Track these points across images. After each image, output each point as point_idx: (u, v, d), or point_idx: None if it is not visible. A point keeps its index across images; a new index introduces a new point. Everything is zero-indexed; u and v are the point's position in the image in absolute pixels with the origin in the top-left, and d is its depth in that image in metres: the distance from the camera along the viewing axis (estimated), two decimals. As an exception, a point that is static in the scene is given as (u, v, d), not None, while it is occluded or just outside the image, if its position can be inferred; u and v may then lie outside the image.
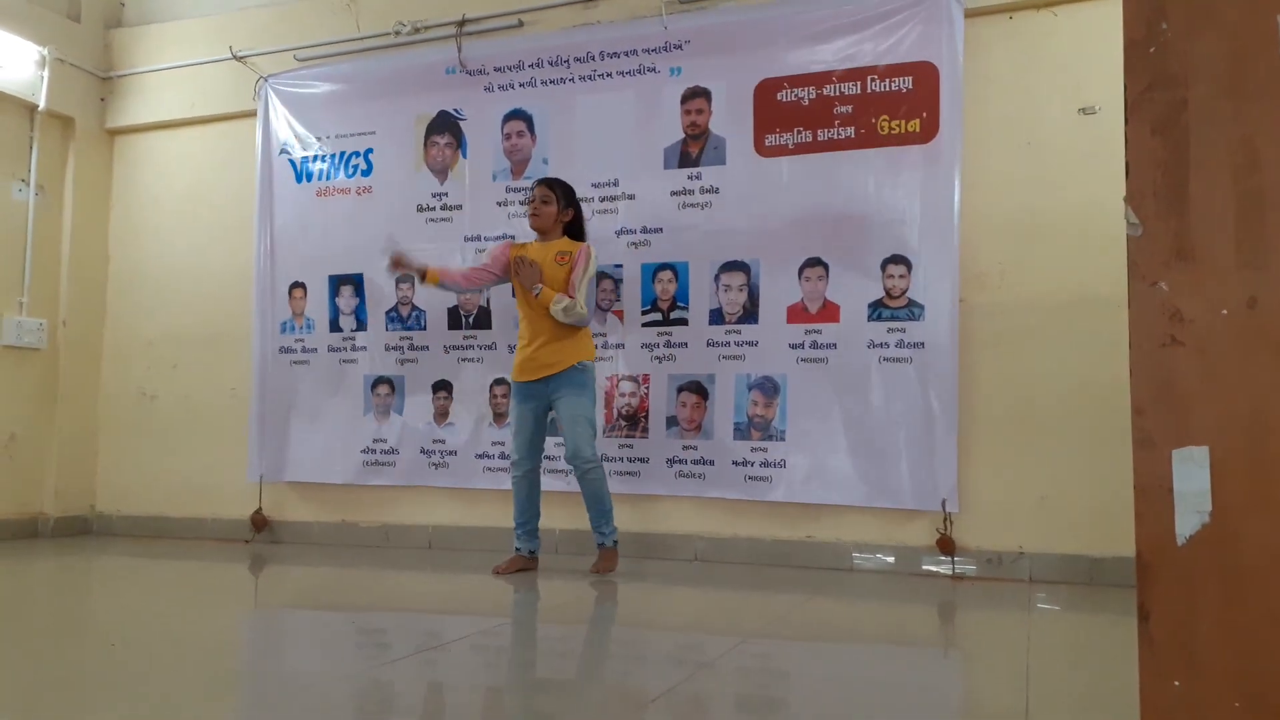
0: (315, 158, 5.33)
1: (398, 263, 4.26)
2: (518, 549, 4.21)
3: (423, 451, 5.03)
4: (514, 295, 4.31)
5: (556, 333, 4.08)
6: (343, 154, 5.28)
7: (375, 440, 5.12)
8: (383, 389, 5.15)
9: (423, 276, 4.26)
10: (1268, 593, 1.00)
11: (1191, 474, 1.03)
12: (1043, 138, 4.18)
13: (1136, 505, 1.07)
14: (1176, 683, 1.02)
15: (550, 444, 4.42)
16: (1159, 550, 1.05)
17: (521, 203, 4.90)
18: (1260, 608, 1.00)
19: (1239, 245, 1.03)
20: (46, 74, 5.52)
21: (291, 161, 5.39)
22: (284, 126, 5.42)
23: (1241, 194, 1.04)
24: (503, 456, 4.88)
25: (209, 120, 5.71)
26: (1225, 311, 1.03)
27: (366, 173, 5.23)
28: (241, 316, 5.46)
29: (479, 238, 4.98)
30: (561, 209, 4.20)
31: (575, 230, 4.26)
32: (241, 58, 5.47)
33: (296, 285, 5.34)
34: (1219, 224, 1.04)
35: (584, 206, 4.76)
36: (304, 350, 5.32)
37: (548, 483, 4.42)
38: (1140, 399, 1.07)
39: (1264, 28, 1.04)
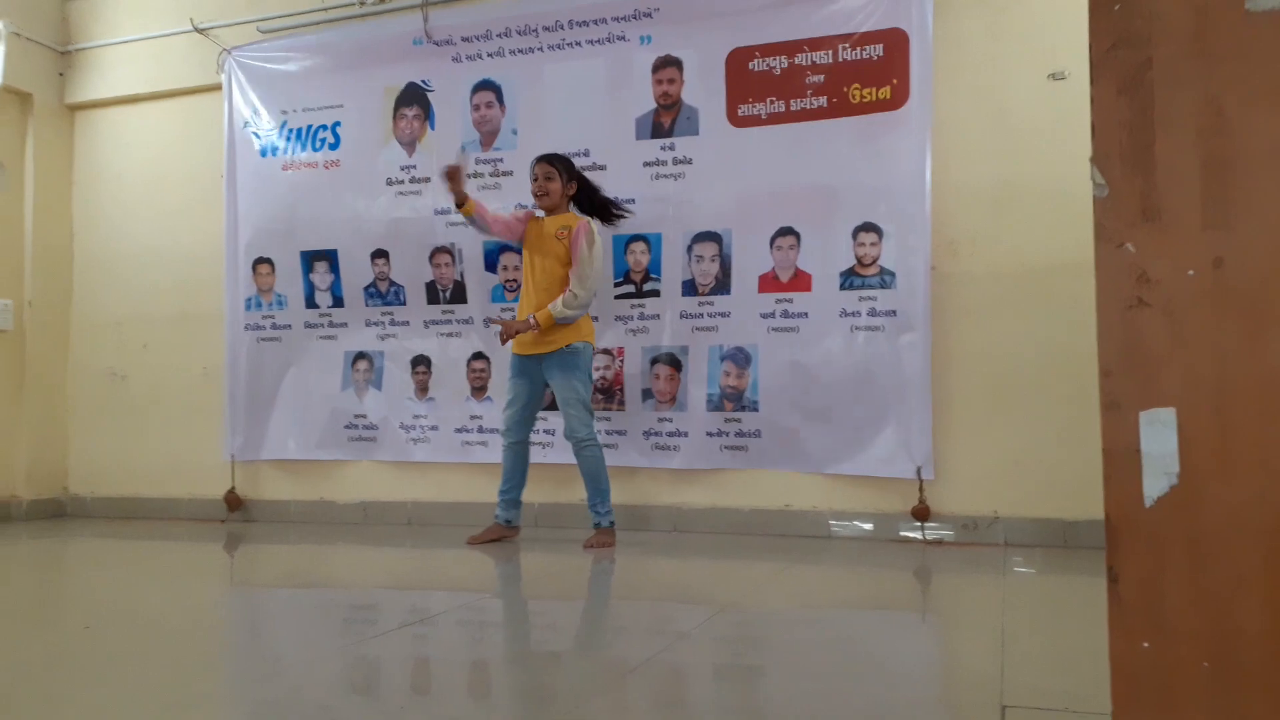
0: (281, 131, 5.26)
1: (453, 175, 4.19)
2: (496, 517, 4.27)
3: (402, 426, 5.02)
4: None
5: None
6: (309, 127, 5.21)
7: (356, 416, 5.10)
8: (362, 364, 5.12)
9: (460, 203, 4.21)
10: (1235, 554, 1.00)
11: (1159, 436, 1.03)
12: (1013, 104, 4.18)
13: (1105, 468, 1.07)
14: (1145, 644, 1.03)
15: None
16: (1127, 512, 1.05)
17: (492, 174, 4.87)
18: (1228, 569, 1.01)
19: (1205, 206, 1.03)
20: (2, 48, 5.38)
21: (256, 135, 5.32)
22: (249, 100, 5.34)
23: (1207, 154, 1.03)
24: (481, 430, 4.87)
25: (172, 94, 5.63)
26: (1192, 272, 1.03)
27: (335, 146, 5.17)
28: (211, 294, 5.40)
29: (448, 211, 4.91)
30: (565, 183, 4.22)
31: (582, 202, 4.29)
32: (203, 30, 5.37)
33: (262, 261, 5.28)
34: (1185, 184, 1.03)
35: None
36: (274, 327, 5.27)
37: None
38: (1107, 361, 1.07)
39: (1230, -15, 1.03)
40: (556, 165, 4.23)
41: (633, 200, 4.59)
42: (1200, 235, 1.02)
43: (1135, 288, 1.04)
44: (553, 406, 4.40)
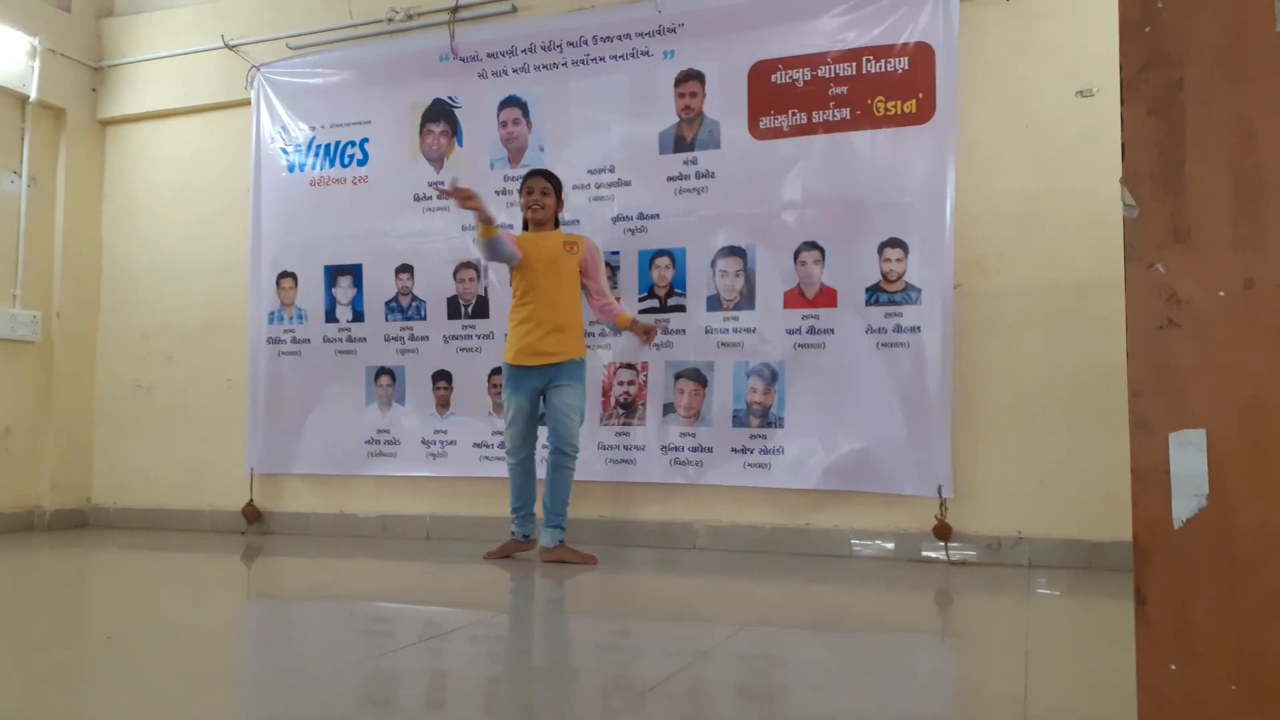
0: (309, 147, 5.31)
1: (469, 195, 3.99)
2: (513, 533, 4.28)
3: (423, 442, 5.03)
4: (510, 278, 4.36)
5: (563, 323, 4.16)
6: (338, 143, 5.26)
7: (379, 431, 5.12)
8: (384, 379, 5.15)
9: (486, 224, 4.04)
10: (1264, 576, 0.99)
11: (1188, 457, 1.03)
12: (1040, 120, 4.17)
13: (1134, 488, 1.06)
14: (1173, 666, 1.01)
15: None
16: (1156, 533, 1.04)
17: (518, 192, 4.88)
18: (1257, 591, 0.99)
19: (1236, 226, 1.02)
20: (37, 64, 5.49)
21: (284, 150, 5.37)
22: (277, 116, 5.39)
23: (1238, 175, 1.02)
24: (500, 446, 4.87)
25: (202, 110, 5.69)
26: (1222, 293, 1.02)
27: (363, 162, 5.21)
28: (237, 307, 5.44)
29: (477, 226, 4.94)
30: (557, 201, 4.32)
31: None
32: (234, 46, 5.44)
33: (285, 275, 5.33)
34: (1215, 205, 1.03)
35: (580, 194, 4.76)
36: (294, 341, 5.30)
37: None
38: (1137, 381, 1.06)
39: (1260, 6, 1.03)
40: (553, 182, 4.31)
41: (656, 216, 4.59)
42: (1231, 256, 1.01)
43: (1165, 308, 1.03)
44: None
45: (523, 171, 4.86)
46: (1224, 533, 1.01)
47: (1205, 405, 1.02)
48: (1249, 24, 1.03)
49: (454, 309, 5.02)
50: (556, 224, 4.35)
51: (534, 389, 4.20)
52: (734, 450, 4.46)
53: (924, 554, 4.15)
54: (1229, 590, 1.01)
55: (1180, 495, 1.03)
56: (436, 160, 5.08)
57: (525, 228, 4.35)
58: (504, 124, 4.96)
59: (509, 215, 4.88)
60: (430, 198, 5.06)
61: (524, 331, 4.18)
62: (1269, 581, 0.99)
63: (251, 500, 5.31)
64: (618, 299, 4.51)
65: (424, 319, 5.07)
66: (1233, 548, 1.01)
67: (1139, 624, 1.04)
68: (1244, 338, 1.01)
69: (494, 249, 4.10)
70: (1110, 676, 2.23)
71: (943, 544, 4.12)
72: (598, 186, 4.72)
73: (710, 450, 4.51)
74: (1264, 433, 1.00)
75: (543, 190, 4.25)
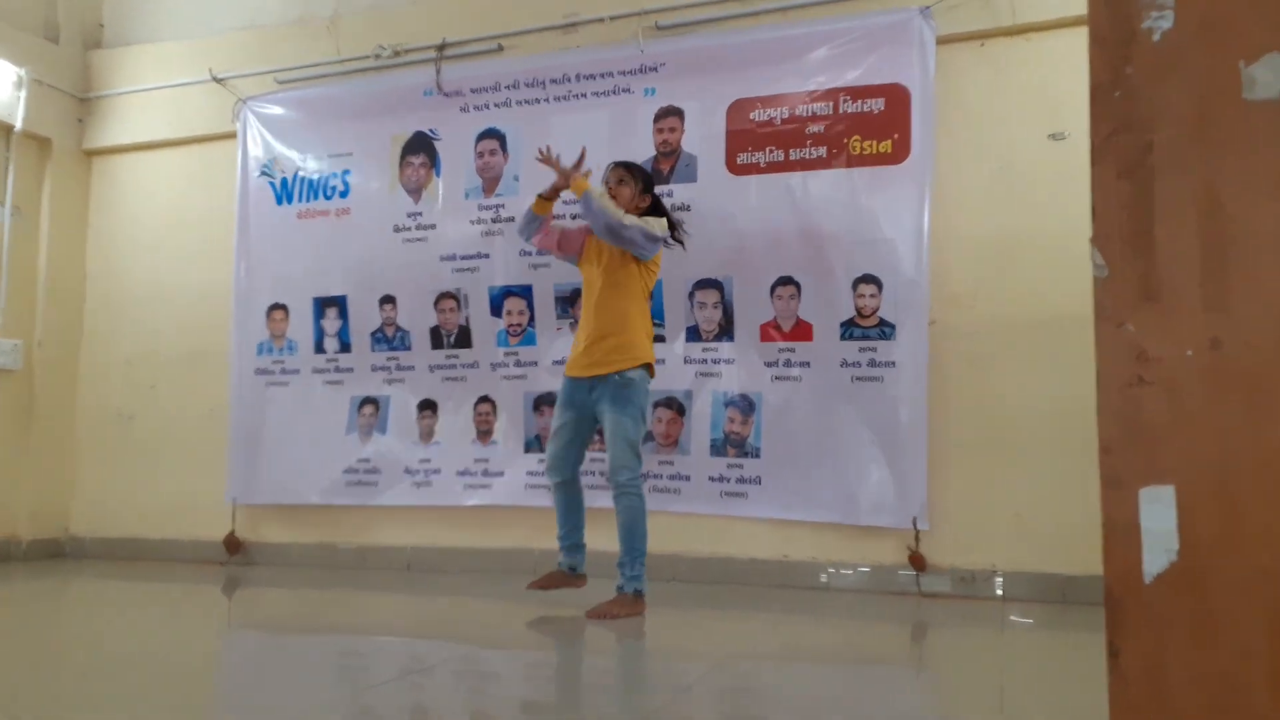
0: (295, 179, 5.33)
1: (556, 168, 3.81)
2: (559, 564, 3.85)
3: (406, 471, 5.02)
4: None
5: (610, 330, 3.72)
6: (321, 176, 5.28)
7: (359, 460, 5.11)
8: (368, 409, 5.15)
9: (548, 196, 3.87)
10: (1236, 631, 1.02)
11: (1158, 513, 1.06)
12: (1014, 162, 4.24)
13: (1105, 543, 1.09)
14: None
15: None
16: (1128, 588, 1.07)
17: (494, 220, 4.91)
18: (1230, 646, 1.02)
19: (1204, 287, 1.06)
20: (24, 95, 5.49)
21: (271, 184, 5.39)
22: (263, 148, 5.41)
23: (1206, 237, 1.06)
24: (485, 474, 4.88)
25: (188, 142, 5.70)
26: (1190, 352, 1.05)
27: (345, 194, 5.23)
28: (220, 337, 5.43)
29: (454, 256, 4.98)
30: (638, 193, 3.83)
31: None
32: (221, 80, 5.46)
33: (277, 307, 5.33)
34: (1184, 267, 1.06)
35: (554, 224, 4.71)
36: (283, 372, 5.30)
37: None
38: (1108, 438, 1.09)
39: (1228, 73, 1.07)
40: (633, 171, 3.88)
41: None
42: (1199, 316, 1.05)
43: (1135, 366, 1.06)
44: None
45: (496, 201, 4.90)
46: (1196, 588, 1.04)
47: (1175, 461, 1.06)
48: (1218, 91, 1.07)
49: (436, 339, 5.03)
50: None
51: (580, 403, 3.76)
52: (711, 479, 4.49)
53: (899, 586, 4.18)
54: (1202, 644, 1.03)
55: (1151, 550, 1.05)
56: (415, 191, 5.10)
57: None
58: (480, 154, 4.99)
59: (484, 244, 4.91)
60: (409, 228, 5.08)
61: (575, 340, 3.87)
62: (1243, 636, 1.02)
63: (233, 530, 5.28)
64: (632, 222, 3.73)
65: (409, 349, 5.08)
66: (1205, 603, 1.04)
67: (1113, 678, 1.06)
68: (1212, 396, 1.05)
69: (533, 225, 3.93)
70: (1085, 715, 2.25)
71: (921, 576, 4.14)
72: (573, 217, 4.74)
73: (689, 479, 4.53)
74: (1233, 489, 1.03)
75: (618, 179, 3.81)
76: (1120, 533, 1.07)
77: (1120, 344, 1.07)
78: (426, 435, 5.03)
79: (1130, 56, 1.08)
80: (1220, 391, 1.04)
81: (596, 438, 3.95)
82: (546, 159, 3.84)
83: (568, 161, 3.82)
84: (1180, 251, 1.06)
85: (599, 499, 4.05)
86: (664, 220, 3.81)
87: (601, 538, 3.93)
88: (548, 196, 3.88)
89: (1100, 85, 1.11)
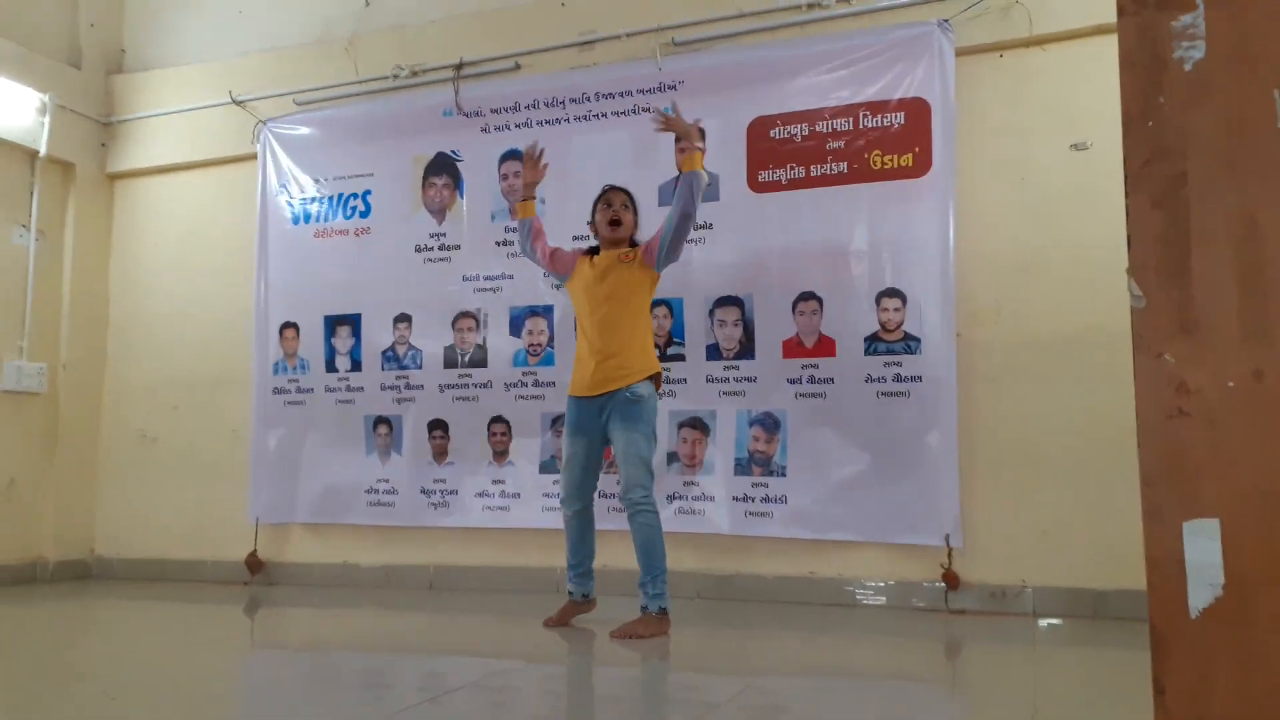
0: (314, 200, 5.37)
1: (533, 162, 4.01)
2: (570, 594, 3.88)
3: (423, 491, 5.03)
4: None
5: (618, 348, 3.72)
6: (341, 195, 5.31)
7: (379, 480, 5.12)
8: (382, 429, 5.16)
9: (527, 198, 4.01)
10: (1282, 665, 1.01)
11: (1203, 546, 1.04)
12: (1036, 173, 4.22)
13: (1149, 577, 1.08)
14: (1193, 753, 1.03)
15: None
16: (1172, 622, 1.05)
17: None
18: (1276, 679, 1.01)
19: (1242, 317, 1.05)
20: (47, 120, 5.56)
21: (289, 203, 5.43)
22: (283, 169, 5.45)
23: (1243, 266, 1.05)
24: (503, 495, 4.88)
25: (209, 164, 5.75)
26: (1232, 384, 1.04)
27: (365, 214, 5.26)
28: (242, 358, 5.47)
29: (478, 277, 5.00)
30: (635, 219, 3.94)
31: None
32: (241, 102, 5.52)
33: (288, 325, 5.36)
34: (1222, 296, 1.05)
35: (581, 245, 4.77)
36: (298, 390, 5.32)
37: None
38: (1149, 471, 1.08)
39: (1261, 100, 1.07)
40: (630, 196, 3.94)
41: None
42: (1239, 347, 1.04)
43: (1175, 397, 1.05)
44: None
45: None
46: (1242, 622, 1.02)
47: (1218, 495, 1.04)
48: (1250, 119, 1.07)
49: (450, 358, 5.04)
50: (633, 244, 3.90)
51: (590, 427, 3.76)
52: (735, 499, 4.47)
53: (928, 603, 4.15)
54: (1248, 679, 1.02)
55: (1196, 585, 1.04)
56: (439, 212, 5.13)
57: (595, 250, 3.94)
58: (504, 176, 5.01)
59: (509, 265, 4.92)
60: (432, 249, 5.10)
61: (576, 360, 3.86)
62: (1287, 669, 1.00)
63: (255, 550, 5.30)
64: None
65: (420, 368, 5.09)
66: (1250, 637, 1.02)
67: (1158, 713, 1.05)
68: (1255, 428, 1.03)
69: (521, 231, 4.07)
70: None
71: (950, 593, 4.11)
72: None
73: (712, 499, 4.51)
74: (1278, 522, 1.02)
75: (623, 204, 3.87)
76: (1164, 566, 1.06)
77: (1159, 375, 1.06)
78: (440, 455, 5.03)
79: (1162, 86, 1.08)
80: (1263, 424, 1.03)
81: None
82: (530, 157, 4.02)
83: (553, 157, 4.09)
84: (1217, 281, 1.05)
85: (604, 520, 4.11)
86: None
87: (605, 555, 4.03)
88: (527, 196, 4.00)
89: (1133, 115, 1.10)
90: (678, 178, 4.57)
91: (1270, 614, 1.01)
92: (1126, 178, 1.10)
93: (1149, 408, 1.08)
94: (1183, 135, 1.08)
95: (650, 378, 3.75)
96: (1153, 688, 1.05)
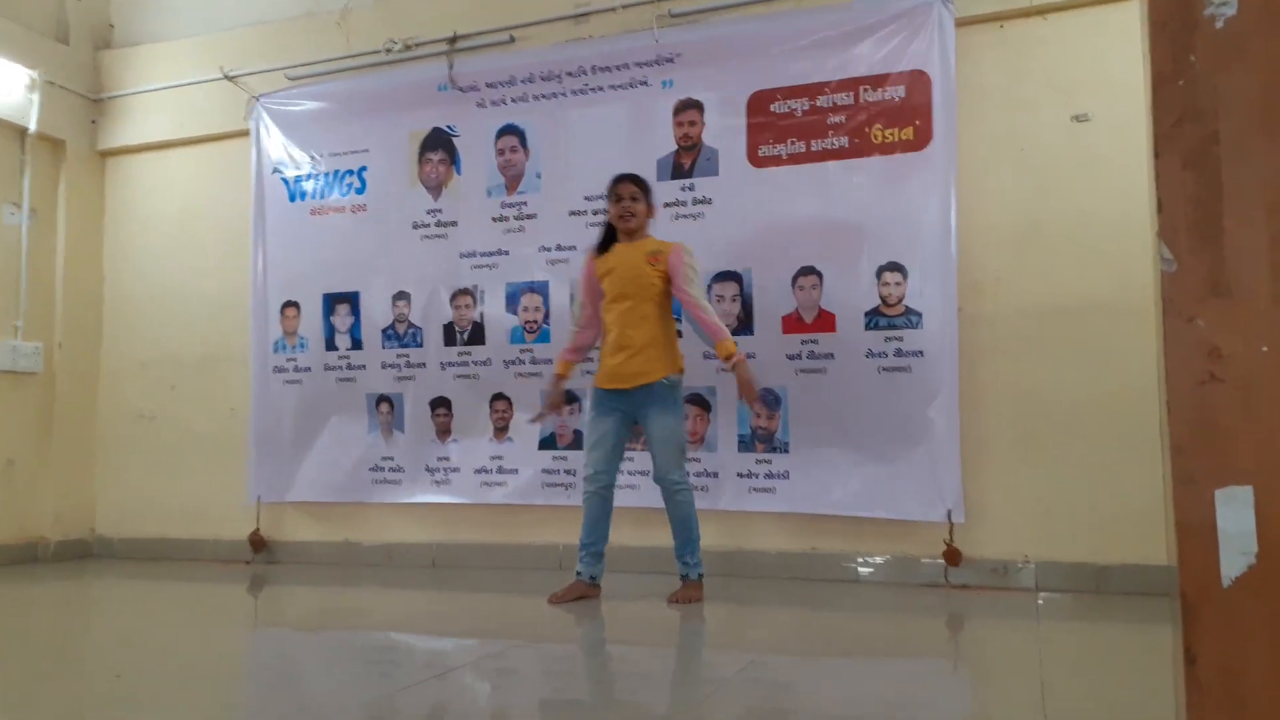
0: (309, 176, 5.32)
1: (555, 405, 4.23)
2: (579, 573, 3.93)
3: (427, 469, 5.01)
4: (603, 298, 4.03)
5: (647, 341, 3.84)
6: (336, 172, 5.26)
7: (384, 458, 5.11)
8: (384, 407, 5.14)
9: (559, 379, 4.10)
10: (1318, 635, 0.99)
11: (1236, 514, 1.02)
12: (1036, 145, 4.19)
13: (1180, 545, 1.06)
14: (1224, 725, 1.01)
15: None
16: (1204, 591, 1.04)
17: (517, 217, 4.89)
18: (1311, 650, 0.99)
19: (1276, 280, 1.02)
20: (37, 97, 5.49)
21: (284, 180, 5.37)
22: (277, 145, 5.40)
23: (1276, 228, 1.03)
24: (500, 470, 4.86)
25: (201, 140, 5.70)
26: (1265, 349, 1.02)
27: (361, 190, 5.22)
28: (239, 336, 5.43)
29: (474, 253, 4.97)
30: (649, 206, 3.97)
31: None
32: (233, 77, 5.45)
33: (289, 304, 5.33)
34: (1254, 259, 1.03)
35: (577, 220, 4.75)
36: (297, 369, 5.29)
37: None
38: (1180, 437, 1.06)
39: (1294, 60, 1.04)
40: (642, 185, 3.96)
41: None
42: (1273, 310, 1.02)
43: (1206, 363, 1.03)
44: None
45: (519, 199, 4.88)
46: (1275, 591, 1.01)
47: (1251, 461, 1.02)
48: (1284, 78, 1.04)
49: (450, 335, 5.01)
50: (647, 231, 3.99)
51: (620, 413, 3.88)
52: (739, 475, 4.46)
53: (932, 579, 4.15)
54: (1282, 649, 1.01)
55: (1228, 553, 1.02)
56: (435, 188, 5.09)
57: (606, 240, 4.01)
58: (501, 152, 4.97)
59: (504, 241, 4.88)
60: (429, 225, 5.06)
61: (607, 354, 3.93)
62: (1322, 639, 0.99)
63: (258, 529, 5.29)
64: (716, 316, 3.87)
65: (420, 346, 5.06)
66: (1285, 606, 1.01)
67: (1189, 684, 1.04)
68: (1289, 393, 1.01)
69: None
70: (1130, 709, 2.22)
71: (952, 568, 4.11)
72: (594, 213, 4.71)
73: (716, 476, 4.50)
74: (1312, 489, 1.00)
75: (632, 196, 3.90)
76: (1195, 535, 1.04)
77: (1190, 340, 1.04)
78: (443, 433, 5.01)
79: (1193, 45, 1.05)
80: (1297, 388, 1.01)
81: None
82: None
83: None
84: (1250, 243, 1.03)
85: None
86: (697, 265, 3.95)
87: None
88: (558, 379, 4.12)
89: (1162, 75, 1.08)
90: (675, 153, 4.55)
91: (1306, 582, 1.00)
92: (1156, 139, 1.07)
93: (1179, 373, 1.05)
94: (1214, 95, 1.05)
95: (679, 371, 3.95)
96: (1184, 658, 1.03)
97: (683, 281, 3.82)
